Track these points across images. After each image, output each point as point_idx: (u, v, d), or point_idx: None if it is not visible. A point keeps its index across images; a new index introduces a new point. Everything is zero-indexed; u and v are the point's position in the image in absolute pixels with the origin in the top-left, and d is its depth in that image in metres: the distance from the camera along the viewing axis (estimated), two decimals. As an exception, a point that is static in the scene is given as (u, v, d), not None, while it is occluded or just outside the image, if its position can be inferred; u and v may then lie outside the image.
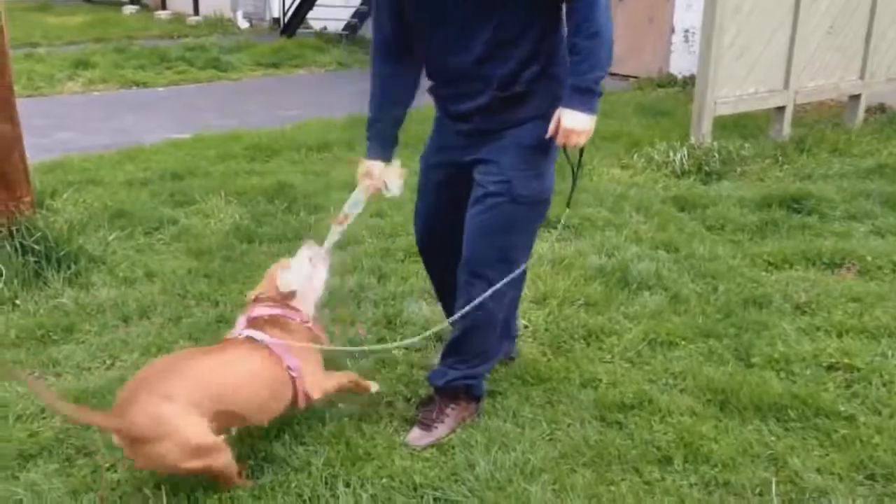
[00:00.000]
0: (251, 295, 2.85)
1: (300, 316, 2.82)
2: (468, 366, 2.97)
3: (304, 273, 2.85)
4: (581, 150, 2.75)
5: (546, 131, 2.67)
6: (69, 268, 4.22)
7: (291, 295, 2.80)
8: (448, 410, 2.98)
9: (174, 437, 2.36)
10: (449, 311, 3.36)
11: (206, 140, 7.43)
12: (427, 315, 3.82)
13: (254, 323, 2.73)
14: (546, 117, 2.66)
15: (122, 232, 4.88)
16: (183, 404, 2.39)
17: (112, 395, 3.11)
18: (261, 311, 2.76)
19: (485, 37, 2.63)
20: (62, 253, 4.23)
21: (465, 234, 2.82)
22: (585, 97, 2.59)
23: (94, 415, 2.59)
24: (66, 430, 2.94)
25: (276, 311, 2.77)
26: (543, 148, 2.74)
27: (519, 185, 2.73)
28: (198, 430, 2.40)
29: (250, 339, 2.68)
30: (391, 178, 2.90)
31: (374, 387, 3.06)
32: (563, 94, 2.64)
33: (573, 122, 2.60)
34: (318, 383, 2.79)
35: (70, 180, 5.87)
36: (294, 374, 2.67)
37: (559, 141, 2.65)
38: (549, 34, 2.69)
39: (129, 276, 4.31)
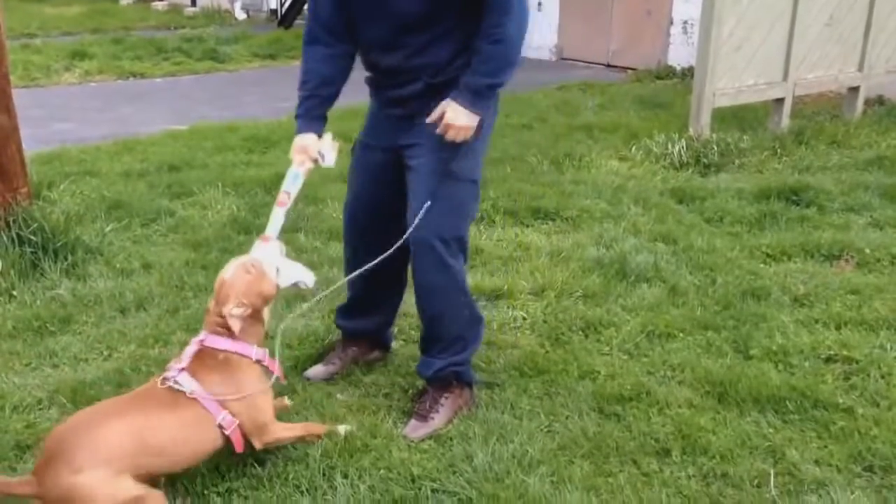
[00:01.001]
0: (211, 304, 2.63)
1: (253, 351, 2.60)
2: (451, 353, 2.98)
3: (283, 263, 2.73)
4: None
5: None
6: (66, 259, 4.20)
7: (240, 320, 2.55)
8: (442, 400, 2.99)
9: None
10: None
11: (203, 131, 7.40)
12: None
13: (197, 363, 2.51)
14: None
15: (119, 223, 4.86)
16: (94, 472, 2.22)
17: (109, 386, 3.12)
18: (213, 342, 2.55)
19: (417, 39, 2.71)
20: (59, 244, 4.22)
21: (408, 214, 2.84)
22: (473, 98, 2.68)
23: (11, 484, 2.30)
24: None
25: (228, 345, 2.55)
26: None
27: (452, 162, 2.78)
28: (115, 489, 2.23)
29: (177, 393, 2.44)
30: (325, 149, 2.91)
31: (342, 430, 2.84)
32: None
33: (454, 118, 2.68)
34: (263, 433, 2.60)
35: (67, 171, 5.85)
36: (227, 431, 2.48)
37: (440, 130, 2.71)
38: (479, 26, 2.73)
39: (127, 267, 4.30)
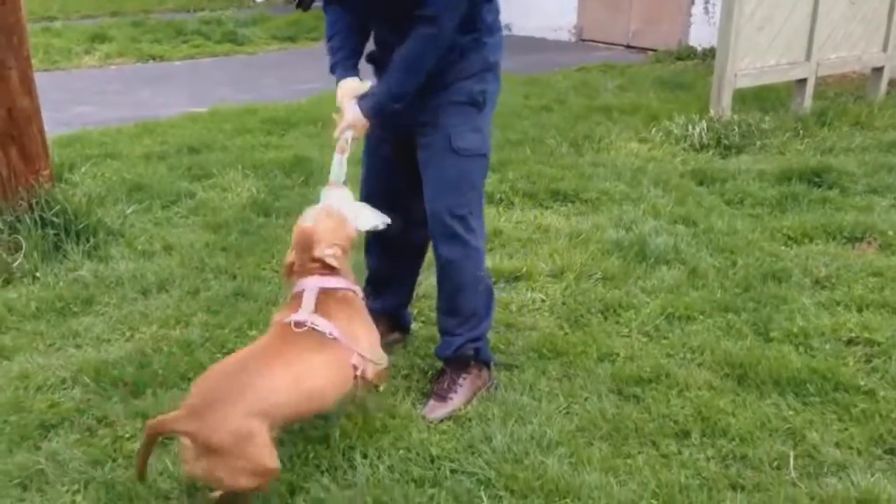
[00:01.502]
0: (290, 258, 2.68)
1: (356, 289, 2.71)
2: (467, 328, 3.01)
3: (356, 208, 2.78)
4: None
5: (476, 90, 2.80)
6: (88, 241, 4.24)
7: (335, 258, 2.62)
8: (461, 380, 3.01)
9: (251, 458, 2.24)
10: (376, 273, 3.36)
11: (222, 114, 7.43)
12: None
13: (323, 302, 2.55)
14: (476, 77, 2.81)
15: (140, 205, 4.90)
16: (265, 425, 2.27)
17: (132, 366, 3.16)
18: (325, 282, 2.58)
19: (413, 24, 2.70)
20: (81, 226, 4.26)
21: (424, 194, 2.90)
22: (369, 99, 2.76)
23: (167, 417, 2.30)
24: (87, 401, 2.98)
25: (340, 284, 2.62)
26: (476, 104, 2.84)
27: (458, 138, 2.82)
28: (271, 454, 2.29)
29: (319, 336, 2.49)
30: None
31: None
32: (492, 58, 2.82)
33: (350, 114, 2.78)
34: (373, 369, 2.67)
35: (88, 154, 5.89)
36: (357, 372, 2.56)
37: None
38: (476, 5, 2.74)
39: (148, 249, 4.34)
